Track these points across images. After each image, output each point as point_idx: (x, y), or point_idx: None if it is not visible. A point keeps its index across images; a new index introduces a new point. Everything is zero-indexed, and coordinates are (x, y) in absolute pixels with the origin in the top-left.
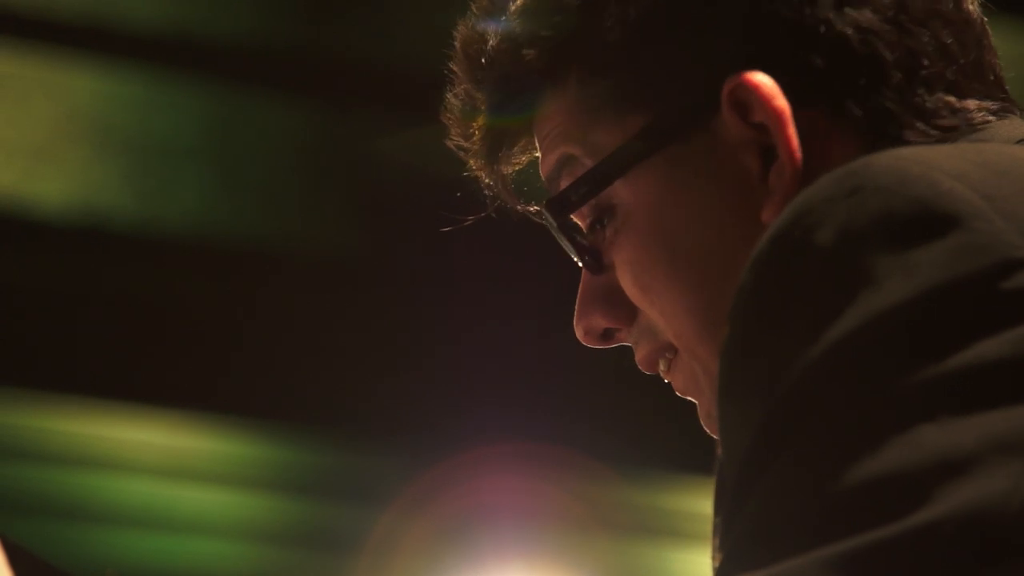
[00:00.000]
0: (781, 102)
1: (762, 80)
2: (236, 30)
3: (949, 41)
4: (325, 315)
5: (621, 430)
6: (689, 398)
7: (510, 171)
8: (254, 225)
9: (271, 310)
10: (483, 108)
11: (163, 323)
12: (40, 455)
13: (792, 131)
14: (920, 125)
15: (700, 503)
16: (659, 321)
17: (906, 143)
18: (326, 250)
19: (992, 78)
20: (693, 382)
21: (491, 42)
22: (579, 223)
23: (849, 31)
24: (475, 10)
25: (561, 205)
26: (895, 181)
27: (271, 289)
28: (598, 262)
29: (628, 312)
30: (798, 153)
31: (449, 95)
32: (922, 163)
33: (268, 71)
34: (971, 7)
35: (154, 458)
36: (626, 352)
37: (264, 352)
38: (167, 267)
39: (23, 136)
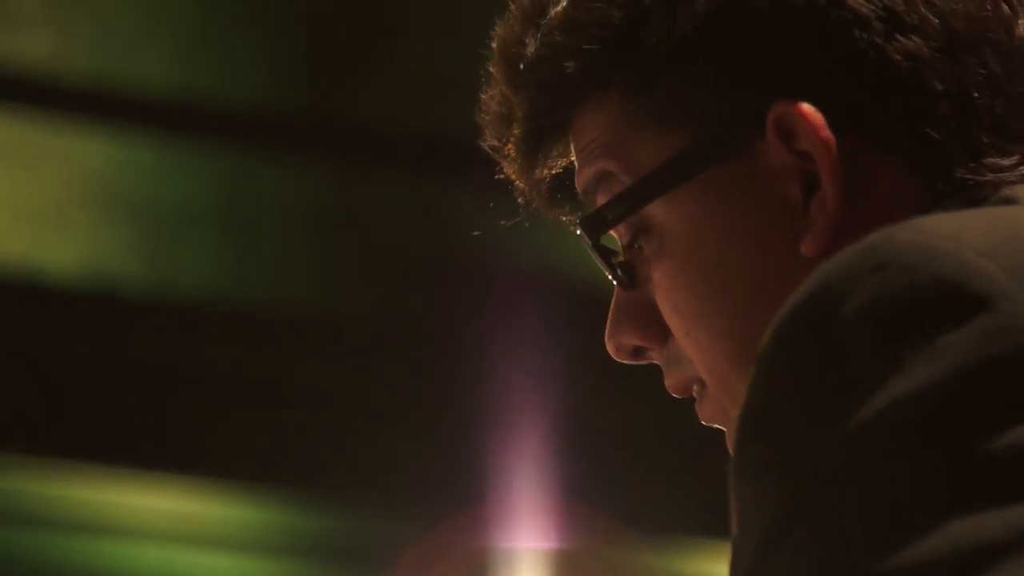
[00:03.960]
0: (827, 133)
1: (808, 109)
2: (245, 95)
3: (999, 71)
4: (336, 380)
5: (638, 492)
6: (716, 426)
7: (545, 177)
8: (266, 290)
9: (283, 375)
10: (519, 113)
11: (174, 388)
12: (52, 522)
13: (837, 163)
14: (969, 162)
15: (716, 567)
16: (692, 352)
17: (955, 179)
18: (338, 315)
19: None
20: (721, 415)
21: (530, 48)
22: (616, 237)
23: (898, 59)
24: (514, 11)
25: (596, 224)
26: (921, 258)
27: (283, 354)
28: (633, 279)
29: (660, 333)
30: (842, 186)
31: (485, 96)
32: (948, 238)
33: (278, 135)
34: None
35: (166, 524)
36: (640, 414)
37: (277, 417)
38: (177, 332)
39: (32, 201)
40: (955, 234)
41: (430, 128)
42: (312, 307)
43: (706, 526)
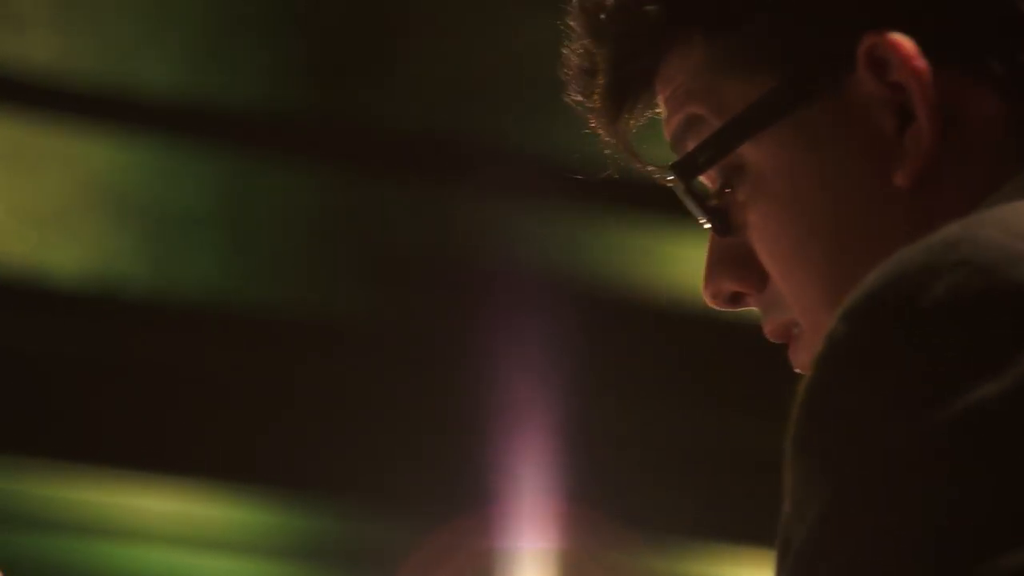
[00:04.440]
0: (920, 62)
1: (901, 39)
2: (251, 98)
3: None
4: (338, 382)
5: (641, 494)
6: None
7: (632, 128)
8: (270, 293)
9: (284, 377)
10: (603, 64)
11: (179, 391)
12: (56, 524)
13: (931, 92)
14: None
15: (718, 570)
16: (788, 293)
17: None
18: (340, 317)
19: None
20: None
21: None
22: (707, 183)
23: None
24: None
25: (687, 168)
26: (1001, 260)
27: (284, 356)
28: (727, 224)
29: (757, 277)
30: (938, 115)
31: (567, 50)
32: None
33: (283, 138)
34: None
35: (167, 526)
36: (643, 415)
37: (278, 419)
38: (182, 335)
39: (38, 204)
40: None
41: (431, 129)
42: (314, 308)
43: (709, 528)
